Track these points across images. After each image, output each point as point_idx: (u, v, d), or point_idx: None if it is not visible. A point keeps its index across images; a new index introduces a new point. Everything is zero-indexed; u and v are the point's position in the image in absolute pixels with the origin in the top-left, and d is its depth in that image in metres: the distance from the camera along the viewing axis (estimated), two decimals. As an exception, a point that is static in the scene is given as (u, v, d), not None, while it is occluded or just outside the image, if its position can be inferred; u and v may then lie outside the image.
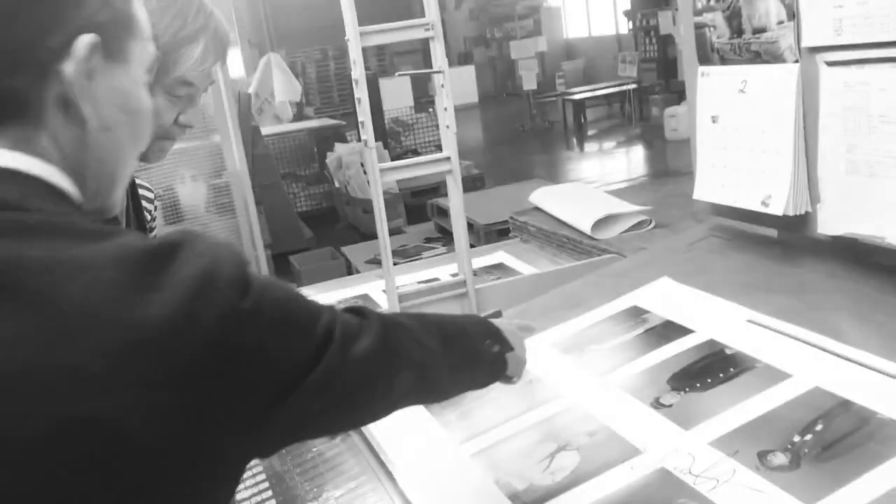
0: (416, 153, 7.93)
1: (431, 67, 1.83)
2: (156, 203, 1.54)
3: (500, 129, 13.59)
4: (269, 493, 1.27)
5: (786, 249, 1.57)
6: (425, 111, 8.70)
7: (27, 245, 0.59)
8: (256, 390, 0.64)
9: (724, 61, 1.58)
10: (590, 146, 11.37)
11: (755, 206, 1.52)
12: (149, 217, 1.45)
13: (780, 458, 0.99)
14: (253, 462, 1.28)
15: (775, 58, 1.45)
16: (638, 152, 10.50)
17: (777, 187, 1.46)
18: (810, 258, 1.49)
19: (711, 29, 1.58)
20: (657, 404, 1.19)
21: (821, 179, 1.41)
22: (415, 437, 1.28)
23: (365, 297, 2.26)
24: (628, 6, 14.04)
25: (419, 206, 5.34)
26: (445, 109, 1.82)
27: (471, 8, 18.47)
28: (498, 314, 1.37)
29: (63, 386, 0.55)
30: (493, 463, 1.17)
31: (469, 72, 16.47)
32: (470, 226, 3.15)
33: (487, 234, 3.24)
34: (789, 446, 1.01)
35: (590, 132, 12.19)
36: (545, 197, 2.67)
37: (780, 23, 1.41)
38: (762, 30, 1.46)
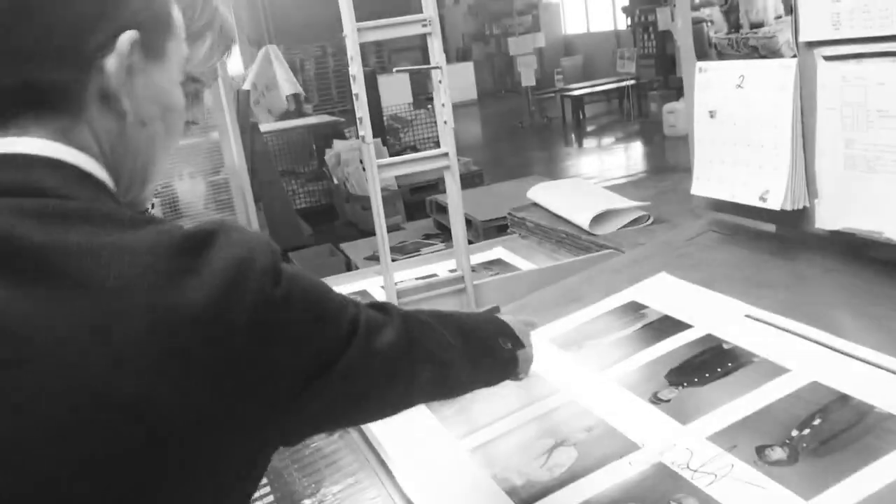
0: (415, 150, 7.90)
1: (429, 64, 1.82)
2: (153, 200, 1.53)
3: (499, 126, 13.58)
4: (268, 488, 1.27)
5: (784, 244, 1.57)
6: (424, 108, 8.68)
7: (68, 230, 0.61)
8: (286, 375, 0.66)
9: (721, 56, 1.58)
10: (588, 142, 11.36)
11: (753, 201, 1.52)
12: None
13: (778, 453, 0.99)
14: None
15: (773, 52, 1.44)
16: (636, 148, 10.49)
17: (775, 182, 1.46)
18: (808, 253, 1.49)
19: (709, 24, 1.58)
20: (655, 399, 1.19)
21: (819, 174, 1.41)
22: (412, 432, 1.28)
23: (363, 293, 2.25)
24: (627, 2, 14.02)
25: (418, 203, 5.32)
26: (443, 105, 1.81)
27: (469, 4, 18.45)
28: (496, 310, 1.37)
29: (100, 368, 0.57)
30: (490, 458, 1.17)
31: (467, 68, 16.47)
32: (469, 222, 3.14)
33: (486, 230, 3.23)
34: (787, 441, 1.01)
35: (588, 128, 12.19)
36: (543, 193, 2.66)
37: (778, 17, 1.41)
38: (760, 24, 1.45)
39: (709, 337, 1.33)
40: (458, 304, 1.92)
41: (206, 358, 0.60)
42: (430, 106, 8.29)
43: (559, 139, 11.76)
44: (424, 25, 1.78)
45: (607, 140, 11.26)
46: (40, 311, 0.57)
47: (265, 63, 7.36)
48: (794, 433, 1.02)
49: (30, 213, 0.61)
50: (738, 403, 1.12)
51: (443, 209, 3.46)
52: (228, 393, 0.61)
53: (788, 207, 1.45)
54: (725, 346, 1.28)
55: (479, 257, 2.42)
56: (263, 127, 7.05)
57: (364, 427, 1.31)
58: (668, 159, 9.11)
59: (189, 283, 0.60)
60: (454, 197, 1.90)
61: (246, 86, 6.99)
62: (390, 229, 2.67)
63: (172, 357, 0.59)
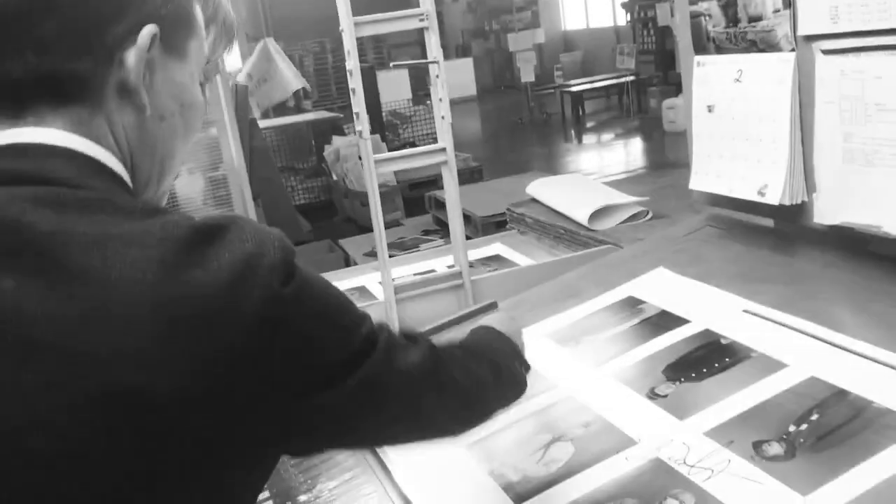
0: (413, 146, 7.90)
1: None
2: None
3: (499, 122, 13.57)
4: (264, 484, 1.26)
5: (782, 239, 1.56)
6: (423, 104, 8.67)
7: (78, 220, 0.61)
8: (288, 378, 0.64)
9: (719, 50, 1.57)
10: (588, 138, 11.36)
11: (751, 196, 1.52)
12: None
13: (775, 448, 0.99)
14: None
15: (771, 46, 1.44)
16: (636, 144, 10.48)
17: (773, 177, 1.46)
18: (806, 248, 1.49)
19: (707, 18, 1.58)
20: (652, 395, 1.19)
21: (817, 168, 1.40)
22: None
23: (362, 289, 2.25)
24: (626, -2, 14.01)
25: (417, 199, 5.32)
26: (441, 100, 1.81)
27: (468, 1, 18.42)
28: (493, 305, 1.36)
29: (105, 358, 0.57)
30: (487, 454, 1.17)
31: (467, 64, 16.43)
32: (468, 218, 3.13)
33: (485, 225, 3.22)
34: (784, 436, 1.00)
35: (588, 124, 12.18)
36: (542, 188, 2.66)
37: (776, 11, 1.40)
38: (758, 18, 1.45)
39: (706, 332, 1.32)
40: (455, 299, 1.92)
41: (208, 353, 0.59)
42: (429, 102, 8.25)
43: (558, 135, 11.75)
44: (421, 20, 1.78)
45: (607, 136, 11.25)
46: (43, 301, 0.57)
47: (263, 56, 7.32)
48: (792, 428, 1.01)
49: (43, 202, 0.61)
50: (735, 399, 1.11)
51: (442, 205, 3.46)
52: (228, 390, 0.61)
53: (787, 202, 1.44)
54: (723, 342, 1.28)
55: (477, 253, 2.41)
56: (262, 123, 7.03)
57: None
58: (668, 155, 9.10)
59: (195, 277, 0.60)
60: (452, 192, 1.90)
61: (241, 77, 6.96)
62: (389, 225, 2.67)
63: (175, 350, 0.58)
